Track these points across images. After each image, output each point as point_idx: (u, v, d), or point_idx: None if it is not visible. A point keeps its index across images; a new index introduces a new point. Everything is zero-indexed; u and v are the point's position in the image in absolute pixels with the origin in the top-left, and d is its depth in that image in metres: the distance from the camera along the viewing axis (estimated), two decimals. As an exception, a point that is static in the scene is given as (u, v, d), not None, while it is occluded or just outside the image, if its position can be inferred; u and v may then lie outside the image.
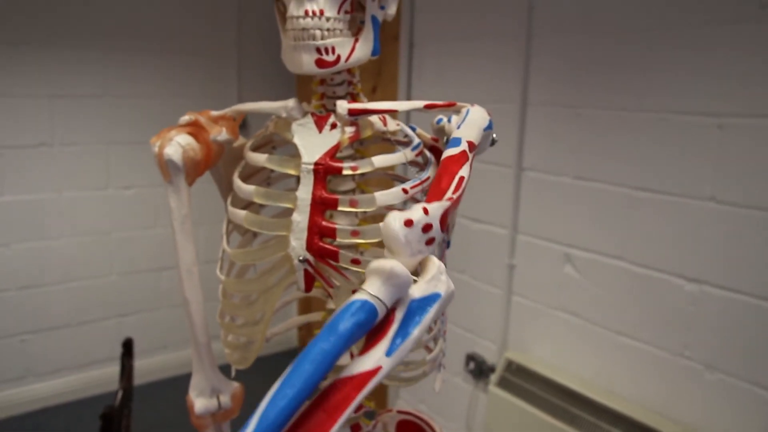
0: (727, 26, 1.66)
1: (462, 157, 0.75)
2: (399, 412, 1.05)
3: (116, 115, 3.11)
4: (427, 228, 0.64)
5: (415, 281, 0.62)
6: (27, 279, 3.00)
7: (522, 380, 2.25)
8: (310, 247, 0.79)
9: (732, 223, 1.69)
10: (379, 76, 2.90)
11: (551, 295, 2.22)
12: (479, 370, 2.51)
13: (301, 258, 0.79)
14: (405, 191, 0.81)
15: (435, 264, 0.65)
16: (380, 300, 0.57)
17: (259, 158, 0.85)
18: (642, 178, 1.90)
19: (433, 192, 0.71)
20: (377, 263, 0.59)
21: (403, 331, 0.59)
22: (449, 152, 0.75)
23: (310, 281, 0.81)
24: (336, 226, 0.79)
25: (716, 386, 1.75)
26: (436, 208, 0.65)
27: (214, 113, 0.90)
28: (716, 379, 1.75)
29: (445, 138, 0.84)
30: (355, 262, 0.79)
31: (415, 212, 0.63)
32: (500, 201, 2.35)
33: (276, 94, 3.34)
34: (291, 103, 0.84)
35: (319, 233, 0.79)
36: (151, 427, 2.84)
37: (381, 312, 0.58)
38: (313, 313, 1.02)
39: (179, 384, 2.58)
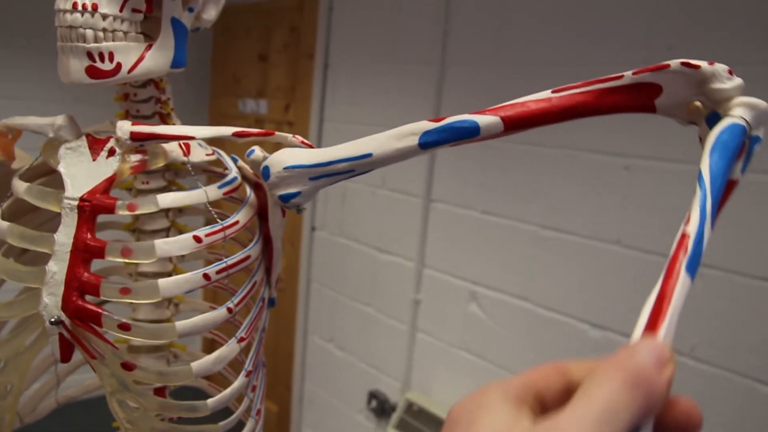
0: (636, 66, 1.59)
1: None
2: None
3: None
4: None
5: None
6: None
7: (422, 423, 2.13)
8: (66, 305, 0.61)
9: (637, 269, 1.62)
10: (293, 94, 2.75)
11: (456, 334, 2.11)
12: (381, 408, 2.38)
13: (53, 319, 0.61)
14: (197, 239, 0.65)
15: None
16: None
17: (20, 188, 0.67)
18: (548, 217, 1.82)
19: None
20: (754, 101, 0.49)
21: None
22: None
23: (67, 349, 0.63)
24: (101, 281, 0.61)
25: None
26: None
27: (-19, 127, 0.72)
28: (615, 432, 1.66)
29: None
30: (124, 327, 0.61)
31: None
32: (408, 232, 2.24)
33: (188, 112, 3.13)
34: (60, 120, 0.67)
35: (78, 288, 0.61)
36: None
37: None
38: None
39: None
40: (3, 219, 0.68)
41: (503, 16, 1.92)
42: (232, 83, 3.06)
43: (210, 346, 2.52)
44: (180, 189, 0.78)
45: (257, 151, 0.66)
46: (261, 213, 0.74)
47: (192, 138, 0.64)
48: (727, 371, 1.47)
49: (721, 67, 0.50)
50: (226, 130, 0.66)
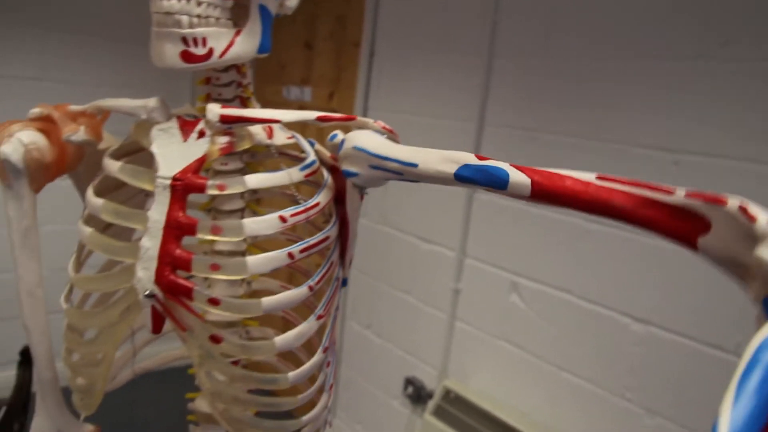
0: (687, 61, 1.58)
1: None
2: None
3: (56, 101, 2.89)
4: None
5: None
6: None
7: (459, 411, 2.14)
8: (159, 279, 0.64)
9: (683, 265, 1.61)
10: (337, 83, 2.77)
11: (495, 323, 2.12)
12: (417, 395, 2.40)
13: (147, 292, 0.64)
14: (283, 219, 0.67)
15: None
16: None
17: (113, 167, 0.70)
18: (594, 210, 1.81)
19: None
20: None
21: None
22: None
23: (158, 321, 0.67)
24: (192, 257, 0.64)
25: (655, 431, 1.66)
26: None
27: (74, 108, 0.76)
28: (655, 424, 1.66)
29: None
30: (214, 302, 0.64)
31: None
32: (450, 222, 2.25)
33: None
34: (152, 102, 0.70)
35: (171, 264, 0.64)
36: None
37: None
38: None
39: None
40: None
41: (553, 9, 1.90)
42: (276, 70, 3.09)
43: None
44: (255, 171, 0.80)
45: (340, 135, 0.69)
46: (337, 196, 0.77)
47: (278, 121, 0.67)
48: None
49: None
50: (310, 114, 0.68)
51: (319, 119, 0.68)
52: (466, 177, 0.59)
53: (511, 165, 0.57)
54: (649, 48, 1.67)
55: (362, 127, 0.69)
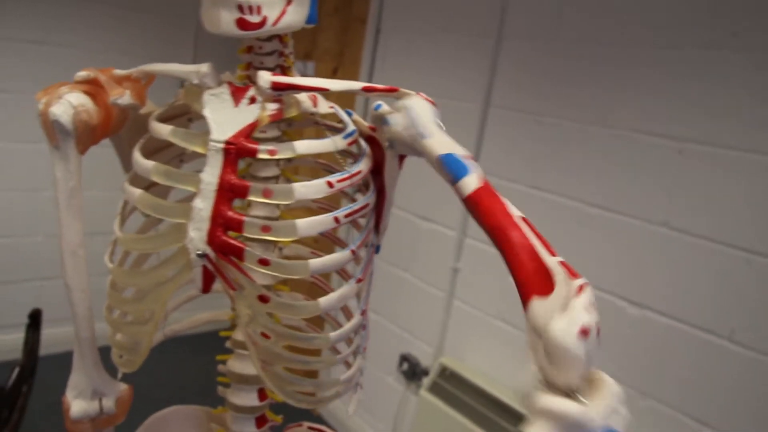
0: (698, 51, 1.61)
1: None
2: (309, 428, 0.94)
3: (57, 65, 2.87)
4: (599, 330, 0.49)
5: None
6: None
7: (454, 387, 2.19)
8: (211, 240, 0.66)
9: (682, 251, 1.65)
10: (341, 58, 2.77)
11: (492, 303, 2.16)
12: (412, 372, 2.44)
13: (199, 252, 0.66)
14: (330, 185, 0.70)
15: (611, 388, 0.50)
16: None
17: (163, 130, 0.72)
18: (597, 194, 1.84)
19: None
20: (558, 404, 0.45)
21: None
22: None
23: (209, 280, 0.69)
24: (244, 219, 0.67)
25: (647, 413, 1.71)
26: (592, 298, 0.50)
27: (119, 72, 0.77)
28: (648, 405, 1.71)
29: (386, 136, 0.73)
30: (264, 262, 0.67)
31: (583, 314, 0.48)
32: (451, 201, 2.26)
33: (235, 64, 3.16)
34: (204, 68, 0.71)
35: (223, 225, 0.66)
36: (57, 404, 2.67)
37: None
38: (220, 312, 0.90)
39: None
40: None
41: (566, -8, 1.92)
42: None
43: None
44: (291, 139, 0.82)
45: (384, 106, 0.71)
46: (374, 167, 0.79)
47: (326, 90, 0.69)
48: (766, 356, 1.51)
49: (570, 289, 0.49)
50: (357, 85, 0.71)
51: (365, 89, 0.71)
52: (444, 162, 0.64)
53: (478, 175, 0.62)
54: (659, 36, 1.69)
55: (405, 97, 0.72)
